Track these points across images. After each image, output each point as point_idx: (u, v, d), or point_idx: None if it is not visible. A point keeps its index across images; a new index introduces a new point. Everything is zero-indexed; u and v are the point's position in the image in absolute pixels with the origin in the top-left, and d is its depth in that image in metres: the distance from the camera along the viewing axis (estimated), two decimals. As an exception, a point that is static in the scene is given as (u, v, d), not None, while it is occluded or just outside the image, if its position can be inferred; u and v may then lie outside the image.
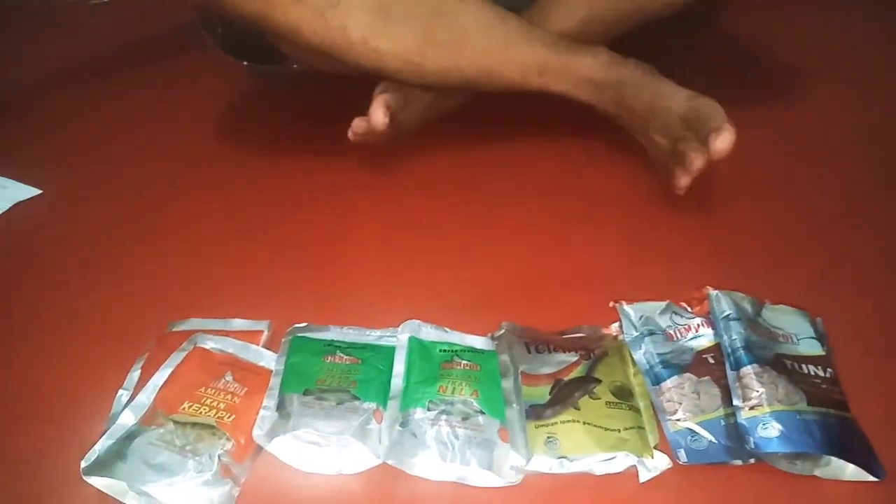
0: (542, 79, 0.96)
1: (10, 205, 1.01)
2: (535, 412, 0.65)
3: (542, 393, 0.67)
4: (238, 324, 0.78)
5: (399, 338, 0.74)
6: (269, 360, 0.72)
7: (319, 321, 0.77)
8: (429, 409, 0.65)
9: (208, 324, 0.78)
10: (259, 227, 0.96)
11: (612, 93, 0.95)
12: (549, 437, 0.63)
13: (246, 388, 0.68)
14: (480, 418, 0.64)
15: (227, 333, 0.75)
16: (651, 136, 0.92)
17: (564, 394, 0.67)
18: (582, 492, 0.61)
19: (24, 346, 0.77)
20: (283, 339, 0.74)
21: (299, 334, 0.75)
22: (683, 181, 0.84)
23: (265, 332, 0.77)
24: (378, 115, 0.93)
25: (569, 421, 0.64)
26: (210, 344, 0.73)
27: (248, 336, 0.76)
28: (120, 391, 0.70)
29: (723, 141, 0.79)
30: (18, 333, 0.79)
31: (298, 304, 0.82)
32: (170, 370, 0.69)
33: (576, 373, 0.69)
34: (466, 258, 0.89)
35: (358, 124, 0.95)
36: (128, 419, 0.65)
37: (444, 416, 0.64)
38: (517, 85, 0.97)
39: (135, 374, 0.72)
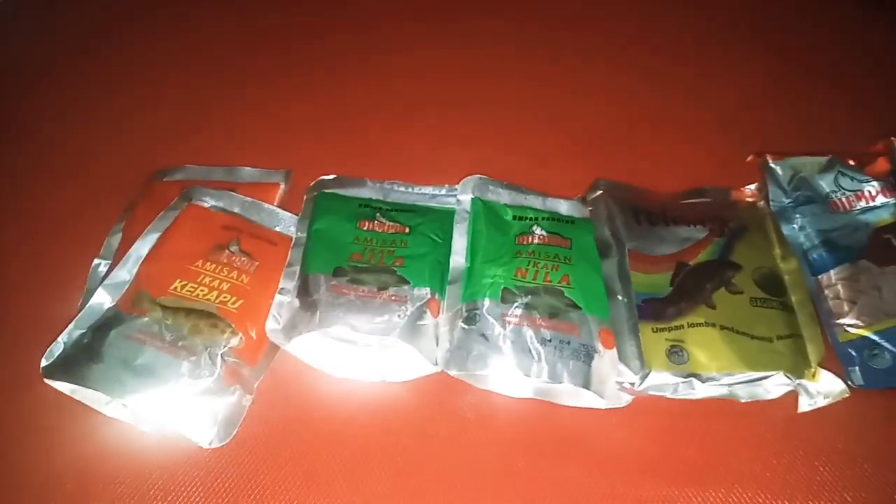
0: None
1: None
2: (652, 309, 0.47)
3: (660, 282, 0.49)
4: (247, 173, 0.60)
5: (460, 199, 0.55)
6: (287, 223, 0.55)
7: (353, 173, 0.58)
8: (503, 301, 0.47)
9: (208, 173, 0.59)
10: (277, 49, 0.74)
11: None
12: (673, 346, 0.45)
13: (257, 263, 0.51)
14: (574, 315, 0.47)
15: (232, 186, 0.57)
16: None
17: (692, 284, 0.48)
18: (717, 423, 0.44)
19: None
20: (305, 197, 0.56)
21: (327, 190, 0.57)
22: None
23: (282, 186, 0.59)
24: None
25: (700, 324, 0.46)
26: (209, 200, 0.55)
27: (260, 191, 0.58)
28: (95, 261, 0.54)
29: None
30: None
31: (325, 151, 0.62)
32: (157, 235, 0.52)
33: (705, 255, 0.50)
34: (545, 93, 0.67)
35: None
36: (102, 300, 0.49)
37: (524, 312, 0.47)
38: None
39: (114, 240, 0.55)
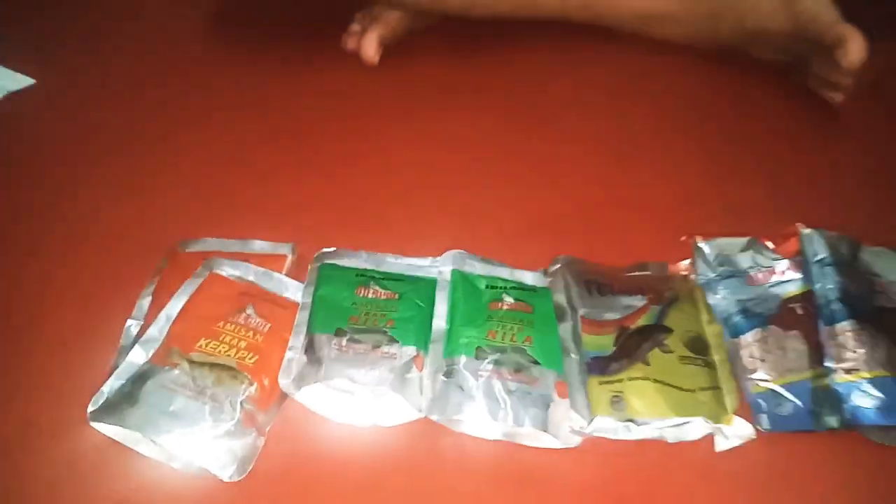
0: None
1: (2, 95, 0.90)
2: (598, 365, 0.57)
3: (605, 343, 0.59)
4: (258, 246, 0.69)
5: (441, 270, 0.65)
6: (294, 290, 0.64)
7: (350, 244, 0.68)
8: (477, 358, 0.57)
9: (224, 245, 0.69)
10: (282, 136, 0.85)
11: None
12: (614, 396, 0.55)
13: (269, 325, 0.60)
14: (535, 370, 0.57)
15: (245, 257, 0.67)
16: (757, 55, 0.82)
17: (632, 345, 0.58)
18: (649, 460, 0.54)
19: (21, 264, 0.69)
20: (309, 266, 0.66)
21: (328, 261, 0.66)
22: (838, 98, 0.81)
23: (289, 257, 0.68)
24: (370, 50, 0.92)
25: (638, 378, 0.56)
26: (227, 270, 0.65)
27: (270, 261, 0.67)
28: (129, 321, 0.62)
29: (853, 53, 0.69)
30: (13, 251, 0.71)
31: (326, 226, 0.73)
32: (184, 300, 0.61)
33: (644, 320, 0.60)
34: (515, 179, 0.79)
35: (349, 44, 0.94)
36: (138, 357, 0.57)
37: (494, 367, 0.56)
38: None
39: (144, 303, 0.64)
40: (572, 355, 0.58)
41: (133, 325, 0.62)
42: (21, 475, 0.53)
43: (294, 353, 0.58)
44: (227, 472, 0.52)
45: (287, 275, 0.66)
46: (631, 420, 0.54)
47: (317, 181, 0.78)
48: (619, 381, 0.56)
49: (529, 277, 0.66)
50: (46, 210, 0.75)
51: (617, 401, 0.55)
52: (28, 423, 0.56)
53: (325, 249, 0.67)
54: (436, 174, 0.79)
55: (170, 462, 0.53)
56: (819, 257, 0.62)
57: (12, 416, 0.56)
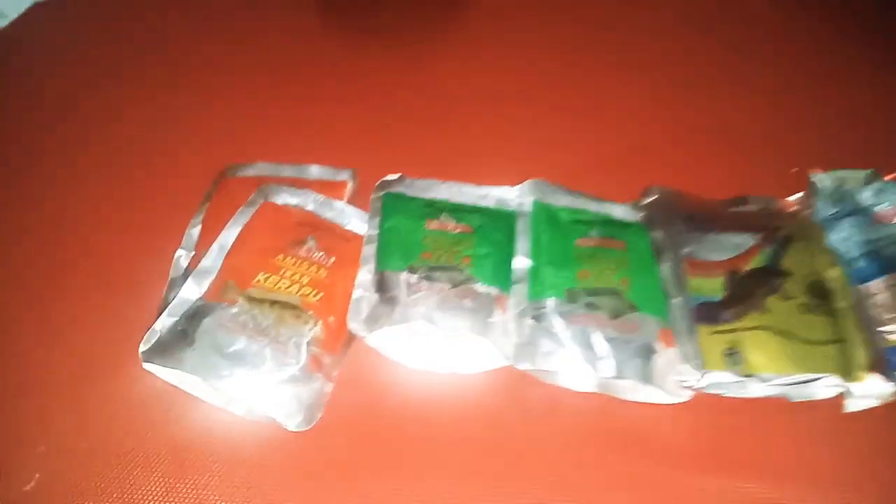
0: None
1: (27, 6, 0.83)
2: (707, 312, 0.50)
3: (713, 287, 0.52)
4: (315, 171, 0.62)
5: (521, 201, 0.58)
6: (357, 221, 0.58)
7: (415, 174, 0.61)
8: (568, 301, 0.51)
9: (277, 169, 0.62)
10: (339, 62, 0.76)
11: None
12: (730, 349, 0.48)
13: (334, 258, 0.54)
14: (635, 315, 0.50)
15: (302, 184, 0.60)
16: None
17: (745, 290, 0.51)
18: (766, 419, 0.48)
19: (65, 192, 0.63)
20: (372, 196, 0.59)
21: (393, 190, 0.59)
22: None
23: (349, 184, 0.61)
24: None
25: (755, 328, 0.49)
26: (284, 197, 0.58)
27: (328, 189, 0.60)
28: (178, 252, 0.56)
29: None
30: (55, 178, 0.65)
31: (388, 152, 0.65)
32: (237, 229, 0.55)
33: (756, 261, 0.53)
34: (592, 109, 0.70)
35: None
36: (191, 292, 0.52)
37: (587, 311, 0.50)
38: None
39: (195, 232, 0.58)
40: (676, 299, 0.51)
41: (183, 256, 0.56)
42: (79, 414, 0.48)
43: (363, 291, 0.52)
44: (293, 420, 0.47)
45: (348, 203, 0.60)
46: (749, 376, 0.47)
47: (377, 105, 0.70)
48: (734, 330, 0.49)
49: (619, 211, 0.59)
50: (87, 135, 0.68)
51: (732, 353, 0.48)
52: (83, 363, 0.51)
53: (389, 177, 0.60)
54: (504, 104, 0.70)
55: (230, 407, 0.48)
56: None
57: (67, 354, 0.52)
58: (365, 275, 0.53)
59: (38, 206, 0.62)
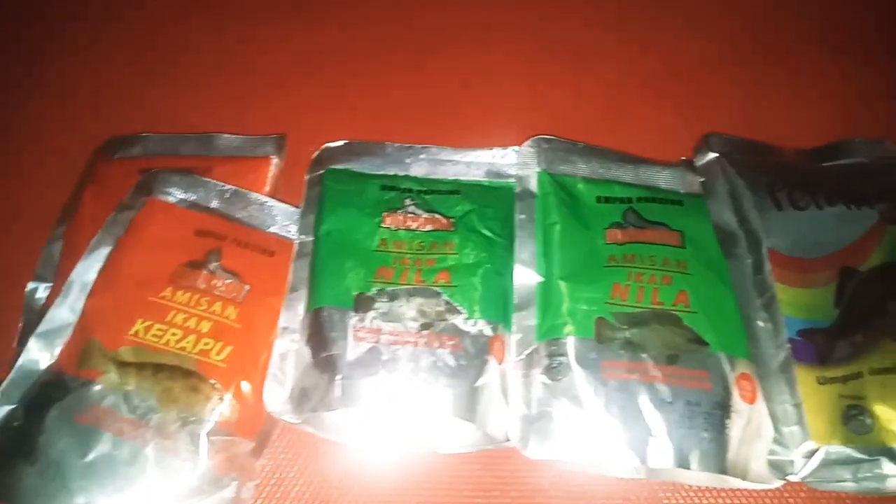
0: None
1: None
2: (813, 346, 0.33)
3: (820, 301, 0.34)
4: (226, 143, 0.44)
5: (520, 175, 0.40)
6: (284, 220, 0.40)
7: (370, 136, 0.42)
8: (599, 339, 0.33)
9: (174, 145, 0.44)
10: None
11: None
12: (850, 407, 0.31)
13: (248, 287, 0.37)
14: (701, 356, 0.33)
15: (206, 164, 0.42)
16: None
17: (870, 303, 0.34)
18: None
19: None
20: (307, 176, 0.41)
21: (336, 165, 0.41)
22: None
23: (274, 160, 0.43)
24: None
25: (887, 370, 0.32)
26: (177, 192, 0.40)
27: (245, 169, 0.42)
28: (30, 284, 0.39)
29: None
30: None
31: (330, 106, 0.46)
32: (107, 250, 0.38)
33: (881, 252, 0.35)
34: (618, 11, 0.49)
35: None
36: (36, 355, 0.35)
37: (630, 356, 0.33)
38: None
39: (54, 250, 0.41)
40: (761, 323, 0.34)
41: (40, 290, 0.40)
42: None
43: (289, 343, 0.35)
44: (196, 553, 0.32)
45: (273, 193, 0.41)
46: (885, 451, 0.30)
47: (315, 41, 0.50)
48: (857, 375, 0.32)
49: (666, 178, 0.40)
50: None
51: (855, 414, 0.31)
52: None
53: (331, 144, 0.42)
54: (492, 35, 0.49)
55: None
56: None
57: None
58: (292, 312, 0.36)
59: None
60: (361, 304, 0.35)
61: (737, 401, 0.32)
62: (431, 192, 0.40)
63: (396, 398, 0.32)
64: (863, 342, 0.32)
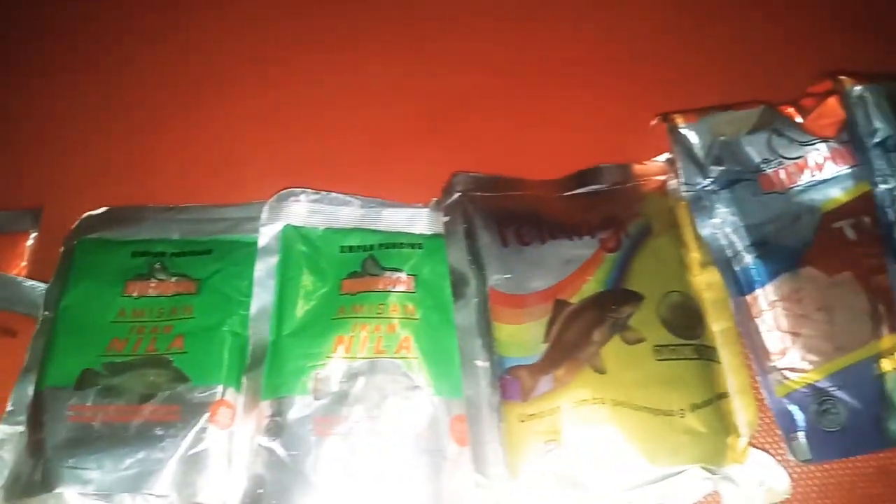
0: None
1: None
2: (519, 382, 0.34)
3: (532, 336, 0.35)
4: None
5: (262, 230, 0.40)
6: (37, 298, 0.40)
7: (137, 198, 0.43)
8: (314, 395, 0.34)
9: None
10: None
11: None
12: (549, 441, 0.32)
13: (-18, 372, 0.36)
14: (423, 398, 0.34)
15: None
16: None
17: (574, 335, 0.35)
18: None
19: None
20: (62, 249, 0.41)
21: (92, 235, 0.41)
22: None
23: (32, 234, 0.43)
24: None
25: (585, 401, 0.33)
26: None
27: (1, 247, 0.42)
28: None
29: None
30: None
31: (95, 170, 0.46)
32: None
33: (594, 282, 0.36)
34: (386, 49, 0.50)
35: None
36: None
37: (353, 409, 0.33)
38: None
39: None
40: (479, 363, 0.35)
41: None
42: None
43: (12, 427, 0.34)
44: None
45: (27, 273, 0.41)
46: (572, 479, 0.32)
47: (76, 98, 0.49)
48: (554, 410, 0.33)
49: (414, 221, 0.41)
50: None
51: (552, 448, 0.32)
52: None
53: (91, 213, 0.42)
54: (247, 72, 0.49)
55: None
56: (875, 131, 0.37)
57: None
58: (20, 396, 0.35)
59: None
60: (85, 381, 0.35)
61: (449, 443, 0.33)
62: (185, 254, 0.40)
63: (99, 481, 0.32)
64: (564, 375, 0.33)
